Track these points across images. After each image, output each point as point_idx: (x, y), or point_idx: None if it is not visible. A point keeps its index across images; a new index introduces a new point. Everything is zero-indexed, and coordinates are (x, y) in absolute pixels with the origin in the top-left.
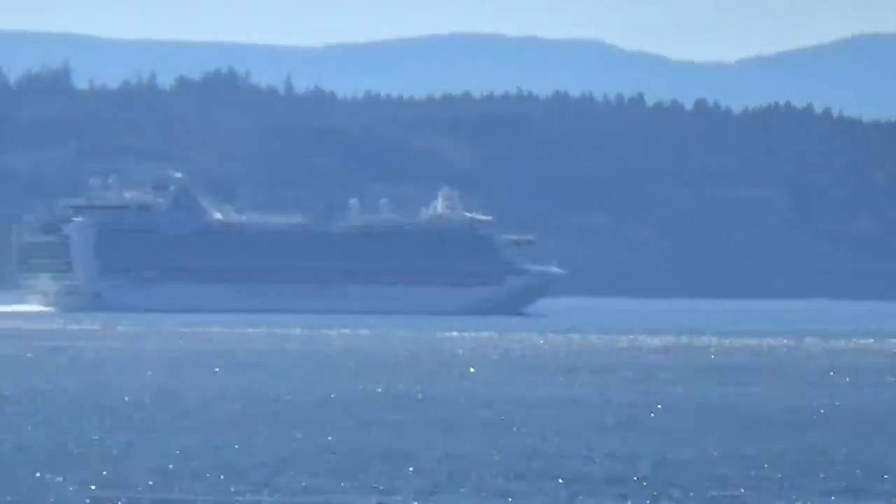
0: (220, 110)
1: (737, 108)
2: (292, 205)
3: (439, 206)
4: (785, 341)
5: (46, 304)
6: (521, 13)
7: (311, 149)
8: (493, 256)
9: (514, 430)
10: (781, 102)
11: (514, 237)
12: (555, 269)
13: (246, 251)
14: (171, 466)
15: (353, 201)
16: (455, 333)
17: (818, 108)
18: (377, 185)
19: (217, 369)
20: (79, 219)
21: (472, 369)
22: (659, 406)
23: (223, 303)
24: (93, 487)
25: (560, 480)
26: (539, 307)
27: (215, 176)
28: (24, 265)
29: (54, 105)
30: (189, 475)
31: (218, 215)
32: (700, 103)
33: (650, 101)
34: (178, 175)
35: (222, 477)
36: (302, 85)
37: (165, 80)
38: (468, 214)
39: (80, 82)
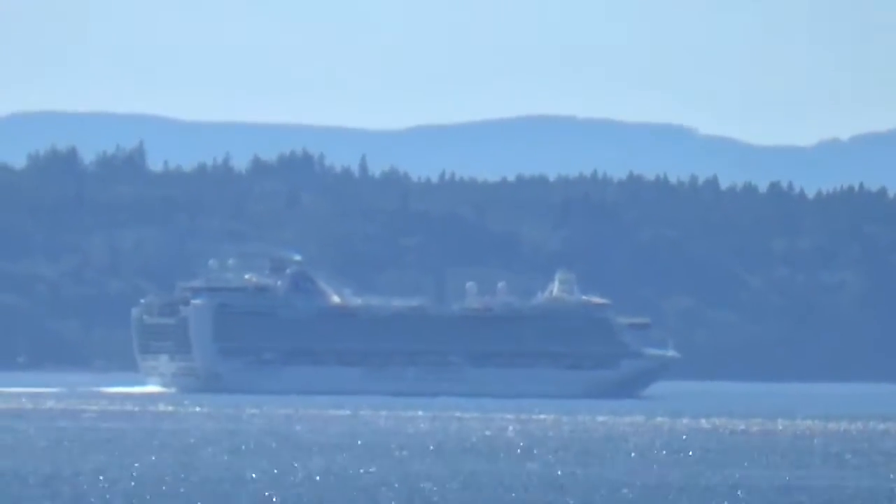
0: (296, 192)
1: (811, 192)
2: (370, 286)
3: (555, 288)
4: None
5: (165, 386)
6: (594, 97)
7: (391, 231)
8: (610, 339)
9: None
10: (856, 186)
11: (629, 320)
12: (671, 353)
13: (364, 334)
14: None
15: (471, 284)
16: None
17: (892, 192)
18: (459, 268)
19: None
20: (197, 301)
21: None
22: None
23: (342, 385)
24: None
25: None
26: (653, 390)
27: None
28: (143, 347)
29: (129, 187)
30: None
31: (336, 298)
32: (774, 186)
33: (724, 184)
34: (297, 257)
35: None
36: (377, 167)
37: (240, 162)
38: (584, 297)
39: (155, 164)
